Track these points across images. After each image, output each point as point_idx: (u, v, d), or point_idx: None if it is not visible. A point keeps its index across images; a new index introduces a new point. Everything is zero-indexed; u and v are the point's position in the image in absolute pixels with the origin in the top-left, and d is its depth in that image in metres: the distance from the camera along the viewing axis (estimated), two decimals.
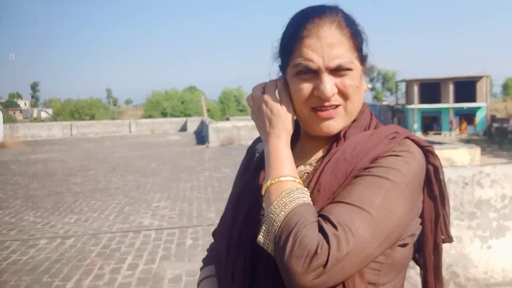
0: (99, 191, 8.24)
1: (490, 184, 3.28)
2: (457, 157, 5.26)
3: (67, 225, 5.98)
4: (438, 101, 41.55)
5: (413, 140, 0.86)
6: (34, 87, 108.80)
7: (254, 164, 0.99)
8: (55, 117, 40.38)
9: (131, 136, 22.20)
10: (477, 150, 5.51)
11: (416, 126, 40.77)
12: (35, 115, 73.83)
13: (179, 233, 5.43)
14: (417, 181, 0.83)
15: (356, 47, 0.87)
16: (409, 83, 43.27)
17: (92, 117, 35.73)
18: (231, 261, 0.89)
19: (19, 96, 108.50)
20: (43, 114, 71.62)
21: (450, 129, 40.59)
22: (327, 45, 0.83)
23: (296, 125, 1.01)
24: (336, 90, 0.85)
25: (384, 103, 56.90)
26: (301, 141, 0.99)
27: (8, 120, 33.52)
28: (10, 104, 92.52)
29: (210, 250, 1.10)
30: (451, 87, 41.11)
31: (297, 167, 0.92)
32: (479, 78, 41.02)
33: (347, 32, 0.85)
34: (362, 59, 0.90)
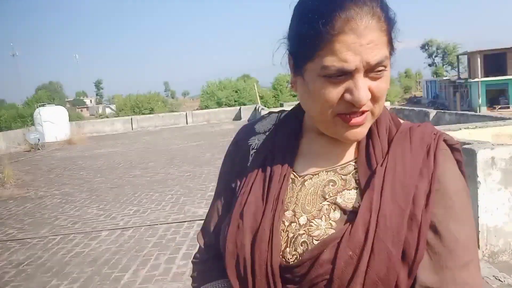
0: (157, 183, 8.50)
1: None
2: None
3: (126, 216, 6.21)
4: (504, 73, 38.64)
5: (445, 141, 0.77)
6: (98, 85, 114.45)
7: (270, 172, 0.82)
8: (118, 112, 42.29)
9: (188, 127, 22.75)
10: None
11: (480, 100, 38.33)
12: (100, 111, 77.84)
13: None
14: None
15: (390, 41, 0.72)
16: (471, 56, 40.62)
17: (152, 111, 36.99)
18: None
19: (85, 94, 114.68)
20: (107, 110, 75.32)
21: None
22: (366, 42, 0.67)
23: (295, 113, 0.89)
24: (370, 96, 0.70)
25: (445, 78, 53.96)
26: (307, 135, 0.85)
27: (75, 117, 35.59)
28: (77, 102, 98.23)
29: (203, 263, 0.93)
30: None
31: (315, 172, 0.79)
32: None
33: (384, 25, 0.70)
34: (392, 51, 0.75)
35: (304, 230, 0.73)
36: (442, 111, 9.30)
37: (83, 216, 6.47)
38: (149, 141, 17.30)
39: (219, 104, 34.85)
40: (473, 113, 8.79)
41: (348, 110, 0.71)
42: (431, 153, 0.74)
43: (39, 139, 16.97)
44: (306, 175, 0.80)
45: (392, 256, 0.67)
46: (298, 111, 0.88)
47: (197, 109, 36.79)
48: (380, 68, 0.70)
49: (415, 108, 11.51)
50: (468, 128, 5.50)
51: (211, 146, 13.65)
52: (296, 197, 0.78)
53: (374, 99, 0.72)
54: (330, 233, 0.71)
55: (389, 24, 0.71)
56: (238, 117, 24.70)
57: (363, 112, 0.72)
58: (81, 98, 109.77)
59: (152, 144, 15.84)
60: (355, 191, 0.75)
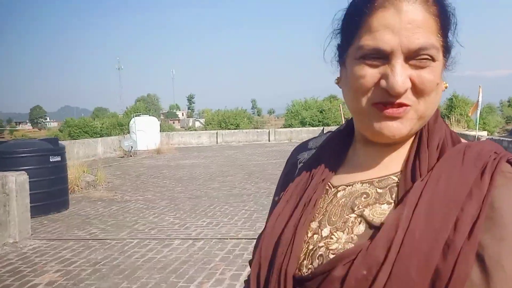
0: (233, 197, 8.61)
1: None
2: None
3: (199, 227, 6.33)
4: None
5: (510, 163, 0.63)
6: (190, 99, 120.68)
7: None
8: (206, 126, 44.09)
9: (269, 145, 22.97)
10: None
11: None
12: (190, 124, 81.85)
13: None
14: None
15: (442, 32, 0.64)
16: None
17: (237, 126, 38.02)
18: None
19: (178, 107, 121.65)
20: (197, 124, 78.94)
21: None
22: (408, 22, 0.61)
23: (348, 124, 0.81)
24: (409, 85, 0.62)
25: None
26: (355, 146, 0.77)
27: (167, 129, 37.76)
28: (170, 115, 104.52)
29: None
30: None
31: (350, 183, 0.72)
32: None
33: (434, 10, 0.63)
34: (446, 49, 0.66)
35: (324, 243, 0.67)
36: None
37: (160, 223, 6.73)
38: (231, 155, 17.72)
39: (303, 124, 34.78)
40: None
41: (384, 99, 0.63)
42: (486, 174, 0.61)
43: (132, 147, 18.20)
44: (340, 185, 0.73)
45: (415, 285, 0.55)
46: (349, 123, 0.82)
47: (281, 127, 37.05)
48: (424, 55, 0.61)
49: None
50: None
51: None
52: (325, 208, 0.72)
53: (416, 91, 0.63)
54: (348, 247, 0.63)
55: (440, 9, 0.63)
56: None
57: (401, 105, 0.63)
58: (174, 111, 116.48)
59: (234, 159, 16.19)
60: (388, 206, 0.66)
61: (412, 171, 0.67)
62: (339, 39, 0.72)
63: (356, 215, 0.67)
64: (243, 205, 7.74)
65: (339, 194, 0.72)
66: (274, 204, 0.83)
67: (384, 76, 0.62)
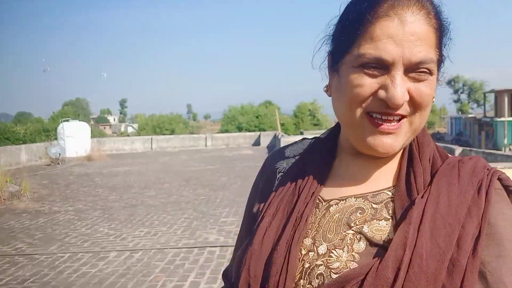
0: (170, 205, 8.40)
1: None
2: None
3: (137, 238, 6.09)
4: None
5: (500, 180, 0.65)
6: (122, 103, 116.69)
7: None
8: (139, 131, 42.85)
9: (206, 150, 22.78)
10: None
11: (506, 140, 37.43)
12: (122, 129, 79.11)
13: None
14: None
15: (439, 46, 0.64)
16: (498, 94, 39.90)
17: (172, 132, 37.34)
18: None
19: (109, 112, 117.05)
20: (129, 129, 76.51)
21: None
22: (411, 33, 0.60)
23: (331, 134, 0.79)
24: (407, 98, 0.62)
25: (470, 115, 53.11)
26: (341, 156, 0.75)
27: (98, 134, 36.11)
28: (101, 120, 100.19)
29: None
30: None
31: (342, 197, 0.69)
32: None
33: (435, 23, 0.63)
34: (440, 62, 0.66)
35: (322, 261, 0.64)
36: (468, 148, 9.04)
37: (94, 234, 6.39)
38: (167, 161, 17.34)
39: (240, 129, 34.95)
40: (502, 152, 8.52)
41: (381, 109, 0.62)
42: (482, 191, 0.62)
43: (60, 154, 17.20)
44: (332, 200, 0.70)
45: None
46: (333, 132, 0.80)
47: (217, 132, 36.96)
48: (423, 69, 0.61)
49: (439, 144, 11.26)
50: (496, 168, 5.26)
51: (228, 170, 13.56)
52: (318, 224, 0.68)
53: (413, 104, 0.63)
54: (351, 266, 0.61)
55: (439, 23, 0.63)
56: (257, 142, 24.67)
57: (398, 119, 0.63)
58: (105, 115, 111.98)
59: (169, 165, 15.85)
60: (386, 222, 0.64)
61: (407, 185, 0.66)
62: (331, 45, 0.70)
63: (354, 232, 0.65)
64: (182, 213, 7.57)
65: (331, 209, 0.69)
66: (253, 215, 0.78)
67: (384, 87, 0.61)
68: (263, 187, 0.81)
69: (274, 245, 0.66)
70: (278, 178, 0.79)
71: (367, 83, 0.62)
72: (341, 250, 0.63)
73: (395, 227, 0.62)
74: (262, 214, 0.73)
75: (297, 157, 0.82)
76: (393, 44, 0.60)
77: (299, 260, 0.65)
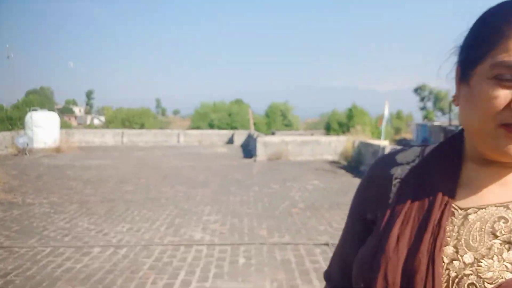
0: (150, 201, 8.27)
1: None
2: None
3: (119, 233, 5.97)
4: None
5: None
6: (89, 94, 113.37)
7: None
8: (107, 124, 41.79)
9: (180, 146, 22.53)
10: None
11: None
12: (88, 122, 76.91)
13: (231, 250, 5.26)
14: None
15: None
16: None
17: (142, 126, 36.65)
18: None
19: (74, 103, 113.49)
20: (96, 121, 74.50)
21: None
22: None
23: (451, 142, 0.80)
24: None
25: (436, 123, 54.82)
26: (467, 165, 0.75)
27: (63, 126, 34.98)
28: (66, 110, 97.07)
29: None
30: None
31: (481, 205, 0.70)
32: None
33: None
34: None
35: (471, 270, 0.64)
36: None
37: (74, 229, 6.21)
38: (141, 156, 17.03)
39: (211, 126, 34.73)
40: None
41: None
42: None
43: (27, 144, 16.59)
44: (470, 208, 0.70)
45: None
46: (454, 139, 0.80)
47: (187, 128, 36.55)
48: None
49: None
50: None
51: (205, 168, 13.47)
52: (457, 232, 0.68)
53: None
54: (506, 277, 0.62)
55: None
56: (231, 141, 24.61)
57: None
58: (70, 106, 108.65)
59: (144, 160, 15.58)
60: None
61: None
62: (460, 56, 0.72)
63: (501, 241, 0.65)
64: (163, 210, 7.46)
65: (470, 217, 0.69)
66: (364, 223, 0.80)
67: None
68: (376, 194, 0.81)
69: (412, 253, 0.67)
70: (395, 184, 0.79)
71: (502, 95, 0.63)
72: (490, 260, 0.64)
73: None
74: (388, 222, 0.73)
75: (411, 164, 0.81)
76: None
77: (443, 268, 0.65)
